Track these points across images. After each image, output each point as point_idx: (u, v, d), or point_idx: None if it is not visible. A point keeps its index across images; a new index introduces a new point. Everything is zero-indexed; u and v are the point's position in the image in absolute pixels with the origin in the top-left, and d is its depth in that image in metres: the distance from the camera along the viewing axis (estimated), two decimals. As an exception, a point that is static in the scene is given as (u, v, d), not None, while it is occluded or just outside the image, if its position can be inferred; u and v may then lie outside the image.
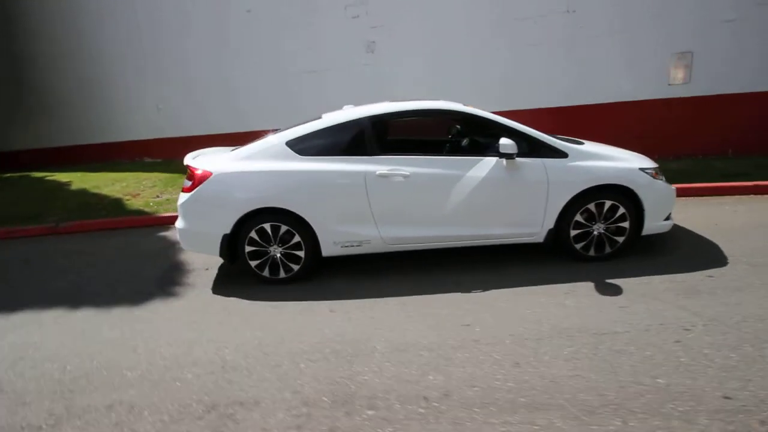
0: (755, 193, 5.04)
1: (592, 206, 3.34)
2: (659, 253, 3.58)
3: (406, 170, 3.28)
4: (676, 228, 3.93)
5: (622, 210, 3.35)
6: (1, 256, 4.94)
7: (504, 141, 3.14)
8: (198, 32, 8.45)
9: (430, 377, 2.24)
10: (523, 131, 3.34)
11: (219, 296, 3.44)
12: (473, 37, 7.20)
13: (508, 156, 3.19)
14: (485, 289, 3.17)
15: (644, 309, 2.75)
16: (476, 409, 1.99)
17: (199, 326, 2.99)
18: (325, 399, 2.14)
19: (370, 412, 2.02)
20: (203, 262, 4.13)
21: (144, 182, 7.43)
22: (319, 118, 3.56)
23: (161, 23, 8.63)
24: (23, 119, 9.96)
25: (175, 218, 5.66)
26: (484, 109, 3.48)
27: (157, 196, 6.71)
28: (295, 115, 7.70)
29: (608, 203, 3.34)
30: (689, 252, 3.58)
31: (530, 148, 3.32)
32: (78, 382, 2.45)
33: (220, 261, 4.08)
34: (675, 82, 6.58)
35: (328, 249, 3.42)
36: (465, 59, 7.28)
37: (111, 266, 4.29)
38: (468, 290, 3.18)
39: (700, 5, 6.28)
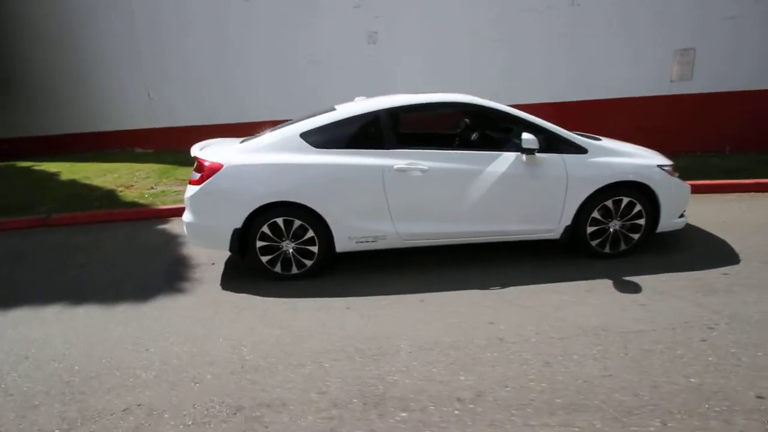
0: (756, 191, 5.12)
1: (609, 203, 3.32)
2: (672, 250, 3.59)
3: (425, 164, 3.20)
4: (685, 225, 3.95)
5: (638, 207, 3.34)
6: (-10, 249, 4.72)
7: (526, 136, 3.09)
8: (196, 22, 8.12)
9: (461, 377, 2.20)
10: (543, 126, 3.29)
11: (229, 292, 3.33)
12: (475, 29, 7.11)
13: (530, 151, 3.15)
14: (504, 285, 3.14)
15: (665, 307, 2.75)
16: (513, 411, 1.95)
17: (212, 323, 2.88)
18: (356, 400, 2.07)
19: (403, 414, 1.97)
20: (208, 256, 4.00)
21: (137, 173, 7.19)
22: (333, 109, 3.45)
23: (155, 8, 8.29)
24: (10, 106, 9.53)
25: (173, 211, 5.57)
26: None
27: (152, 188, 6.50)
28: (295, 105, 7.56)
29: (625, 200, 3.32)
30: (701, 249, 3.60)
31: (549, 143, 3.27)
32: (89, 383, 2.33)
33: (226, 256, 3.96)
34: (676, 78, 6.62)
35: (342, 244, 3.34)
36: (466, 50, 7.20)
37: (111, 261, 4.13)
38: (486, 287, 3.14)
39: (701, 2, 6.31)
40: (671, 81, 6.66)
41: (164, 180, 6.77)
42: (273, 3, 7.69)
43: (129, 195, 6.17)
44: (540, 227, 3.38)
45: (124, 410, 2.11)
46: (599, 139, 3.56)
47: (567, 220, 3.34)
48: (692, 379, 2.10)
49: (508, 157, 3.25)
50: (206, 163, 3.27)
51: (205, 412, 2.05)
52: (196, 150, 3.49)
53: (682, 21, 6.43)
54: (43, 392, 2.28)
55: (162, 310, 3.12)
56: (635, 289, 3.00)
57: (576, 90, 6.99)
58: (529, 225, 3.37)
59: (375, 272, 3.49)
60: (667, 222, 3.43)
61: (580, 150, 3.30)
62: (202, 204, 3.30)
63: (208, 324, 2.87)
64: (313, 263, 3.37)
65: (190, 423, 1.99)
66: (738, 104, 6.46)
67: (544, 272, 3.29)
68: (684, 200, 3.50)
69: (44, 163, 8.06)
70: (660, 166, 3.37)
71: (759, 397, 1.97)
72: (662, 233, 3.57)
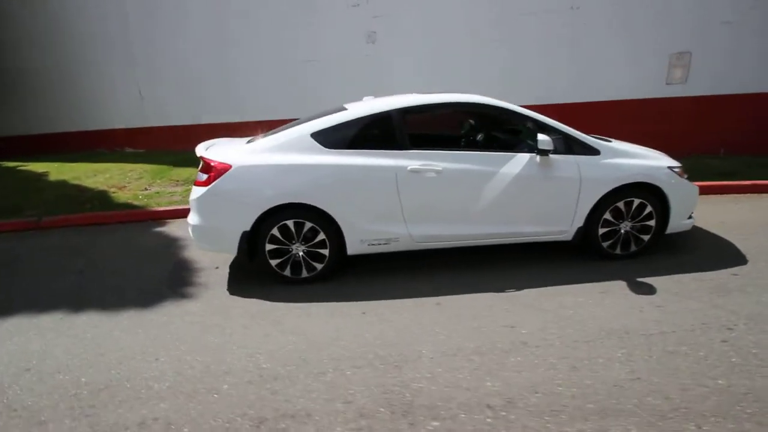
0: (753, 192, 5.22)
1: (621, 204, 3.33)
2: (681, 251, 3.62)
3: (439, 165, 3.16)
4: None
5: (649, 208, 3.35)
6: (-23, 254, 4.51)
7: (542, 137, 3.07)
8: (192, 19, 7.92)
9: (488, 383, 2.15)
10: (557, 127, 3.28)
11: (237, 297, 3.23)
12: (475, 30, 7.11)
13: (545, 152, 3.13)
14: (518, 288, 3.11)
15: (682, 308, 2.76)
16: (546, 417, 1.91)
17: (223, 331, 2.78)
18: (383, 410, 2.01)
19: (435, 423, 1.91)
20: (210, 259, 3.89)
21: (129, 174, 6.98)
22: (344, 109, 3.38)
23: (149, 4, 8.07)
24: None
25: (170, 213, 5.41)
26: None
27: (146, 189, 6.31)
28: (293, 104, 7.46)
29: (636, 201, 3.33)
30: (709, 250, 3.63)
31: (563, 144, 3.26)
32: (99, 396, 2.21)
33: (229, 259, 3.85)
34: (672, 81, 6.72)
35: (354, 247, 3.27)
36: (466, 51, 7.18)
37: (110, 265, 3.97)
38: (501, 290, 3.10)
39: (699, 6, 6.42)
40: (667, 84, 6.75)
41: (158, 181, 6.59)
42: (272, 2, 7.56)
43: (122, 196, 5.98)
44: (553, 228, 3.36)
45: (139, 424, 2.00)
46: (609, 141, 3.57)
47: (580, 221, 3.33)
48: (720, 381, 2.09)
49: (522, 158, 3.22)
50: (214, 164, 3.17)
51: (228, 426, 1.96)
52: (202, 150, 3.38)
53: (680, 24, 6.52)
54: (49, 407, 2.16)
55: (168, 316, 3.00)
56: (650, 290, 3.00)
57: (576, 91, 7.03)
58: (543, 226, 3.35)
59: (387, 275, 3.43)
60: (677, 223, 3.45)
61: (593, 151, 3.29)
62: (210, 206, 3.20)
63: (219, 331, 2.77)
64: (324, 266, 3.29)
65: (212, 437, 1.90)
66: (733, 108, 6.59)
67: (557, 274, 3.28)
68: (693, 201, 3.53)
69: (30, 163, 7.78)
70: (670, 168, 3.39)
71: (787, 398, 1.97)
72: (670, 234, 3.59)
